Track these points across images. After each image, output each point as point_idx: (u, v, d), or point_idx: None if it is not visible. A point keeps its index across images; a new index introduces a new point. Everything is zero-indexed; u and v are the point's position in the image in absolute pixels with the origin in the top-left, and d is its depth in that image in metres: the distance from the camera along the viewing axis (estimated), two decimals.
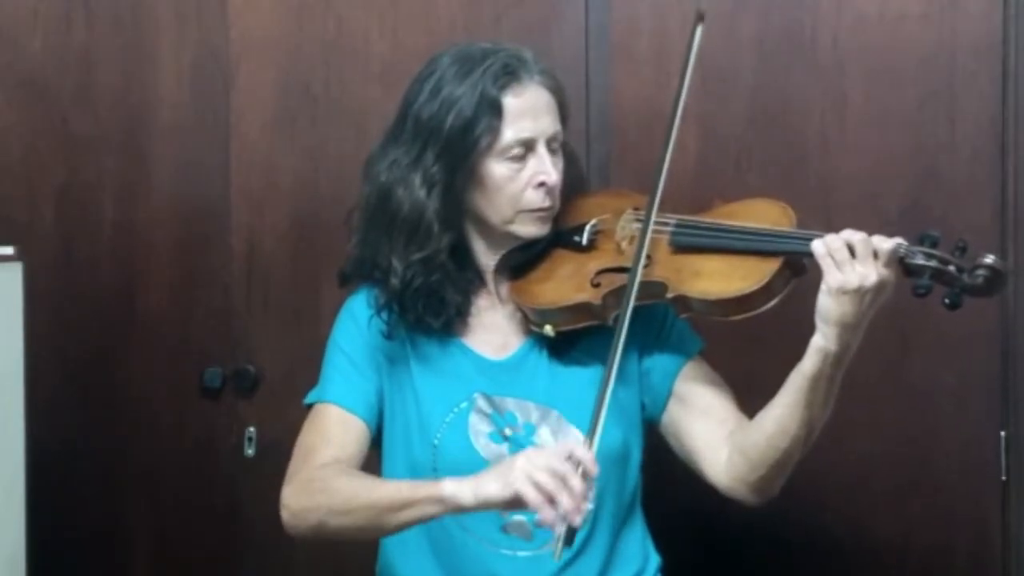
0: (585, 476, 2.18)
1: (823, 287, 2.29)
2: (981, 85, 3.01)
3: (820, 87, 3.06)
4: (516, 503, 2.20)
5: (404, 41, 3.16)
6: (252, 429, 3.23)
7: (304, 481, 2.45)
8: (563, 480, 2.16)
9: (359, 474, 2.45)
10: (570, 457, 2.20)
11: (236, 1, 3.22)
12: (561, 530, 2.18)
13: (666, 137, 2.45)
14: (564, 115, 2.56)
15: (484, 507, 2.24)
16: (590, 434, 2.27)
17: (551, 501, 2.15)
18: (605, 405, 2.30)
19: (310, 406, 2.58)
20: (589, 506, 2.19)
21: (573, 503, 2.15)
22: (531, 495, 2.16)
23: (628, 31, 3.12)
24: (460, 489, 2.25)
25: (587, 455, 2.21)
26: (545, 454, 2.21)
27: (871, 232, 2.30)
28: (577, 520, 2.16)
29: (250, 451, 3.22)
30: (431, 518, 2.31)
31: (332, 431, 2.52)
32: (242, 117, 3.24)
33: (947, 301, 2.27)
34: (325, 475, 2.43)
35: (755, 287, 2.34)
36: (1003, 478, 3.03)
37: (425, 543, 2.52)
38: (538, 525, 2.24)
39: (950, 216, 2.98)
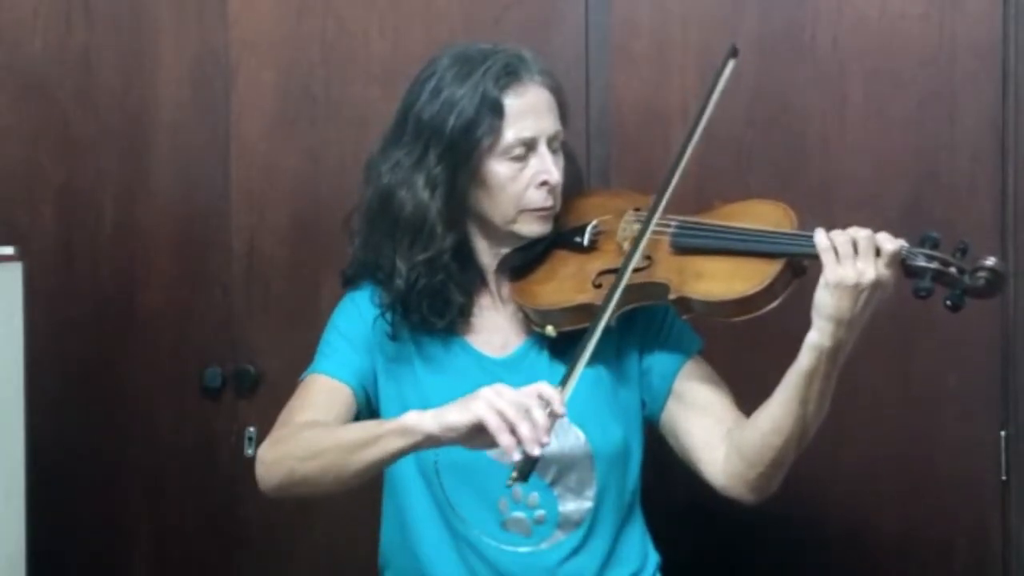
0: (552, 415, 2.19)
1: (821, 281, 2.30)
2: (981, 85, 3.02)
3: (820, 87, 3.06)
4: (478, 431, 2.20)
5: (404, 41, 3.16)
6: (252, 429, 3.23)
7: (278, 437, 2.47)
8: (526, 411, 2.17)
9: (329, 424, 2.47)
10: (539, 395, 2.21)
11: (236, 1, 3.22)
12: (517, 458, 2.19)
13: (680, 152, 2.47)
14: (564, 114, 2.58)
15: (448, 434, 2.23)
16: (563, 381, 2.28)
17: (511, 430, 2.16)
18: (584, 357, 2.32)
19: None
20: (547, 441, 2.17)
21: (532, 433, 2.16)
22: (491, 420, 2.17)
23: (628, 31, 3.12)
24: (422, 418, 2.25)
25: (555, 395, 2.21)
26: (512, 388, 2.22)
27: (874, 232, 2.30)
28: (535, 451, 2.16)
29: (250, 451, 3.21)
30: (397, 454, 2.29)
31: (316, 398, 2.54)
32: (242, 117, 3.23)
33: (949, 303, 2.28)
34: (297, 429, 2.45)
35: (757, 288, 2.35)
36: (1003, 478, 3.04)
37: (436, 532, 2.54)
38: (501, 455, 2.24)
39: (950, 216, 2.99)
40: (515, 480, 2.21)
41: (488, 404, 2.18)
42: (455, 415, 2.21)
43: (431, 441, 2.25)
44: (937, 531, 3.07)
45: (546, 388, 2.22)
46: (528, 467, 2.19)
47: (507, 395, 2.19)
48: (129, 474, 3.30)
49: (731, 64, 2.47)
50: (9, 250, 2.88)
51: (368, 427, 2.35)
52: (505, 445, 2.16)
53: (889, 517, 3.09)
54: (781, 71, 3.08)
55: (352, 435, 2.35)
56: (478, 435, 2.21)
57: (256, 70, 3.23)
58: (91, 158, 3.27)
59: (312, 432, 2.42)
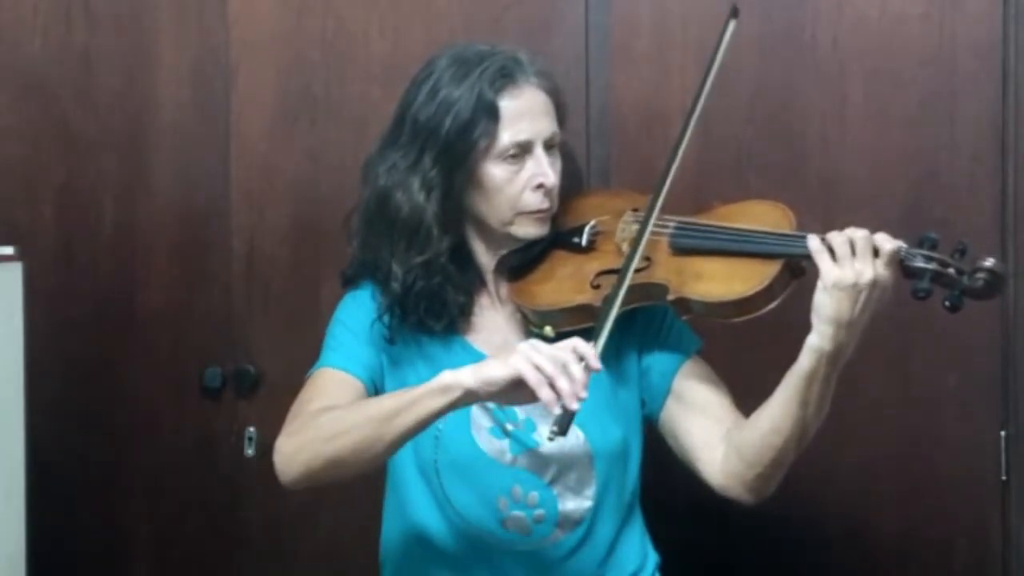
0: (587, 369, 2.22)
1: (819, 283, 2.29)
2: (981, 85, 3.02)
3: (820, 87, 3.06)
4: (516, 385, 2.22)
5: (404, 41, 3.16)
6: (252, 429, 3.23)
7: (294, 428, 2.45)
8: (563, 366, 2.20)
9: (349, 404, 2.46)
10: (574, 350, 2.23)
11: (236, 1, 3.22)
12: (557, 411, 2.21)
13: (679, 136, 2.47)
14: (561, 115, 2.58)
15: (487, 389, 2.24)
16: (595, 338, 2.30)
17: (550, 384, 2.19)
18: (614, 313, 2.34)
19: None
20: (585, 395, 2.21)
21: (570, 387, 2.19)
22: (531, 375, 2.19)
23: (628, 31, 3.12)
24: (459, 375, 2.27)
25: (590, 350, 2.24)
26: (548, 344, 2.24)
27: (872, 232, 2.31)
28: (574, 405, 2.19)
29: (250, 451, 3.22)
30: (436, 415, 2.29)
31: (328, 389, 2.52)
32: (242, 117, 3.23)
33: (947, 304, 2.28)
34: (314, 415, 2.43)
35: (756, 290, 2.35)
36: (1003, 478, 3.03)
37: (436, 529, 2.54)
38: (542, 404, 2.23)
39: (950, 217, 2.98)
40: (555, 434, 2.23)
41: (526, 359, 2.21)
42: (494, 370, 2.24)
43: (470, 397, 2.27)
44: (937, 531, 3.07)
45: (581, 343, 2.24)
46: (567, 421, 2.21)
47: (544, 350, 2.22)
48: (129, 474, 3.30)
49: (732, 25, 2.48)
50: (9, 250, 2.87)
51: (399, 395, 2.35)
52: (545, 399, 2.19)
53: (889, 517, 3.08)
54: (781, 71, 3.08)
55: (383, 405, 2.34)
56: (515, 390, 2.23)
57: (256, 70, 3.22)
58: (91, 158, 3.27)
59: (335, 412, 2.40)
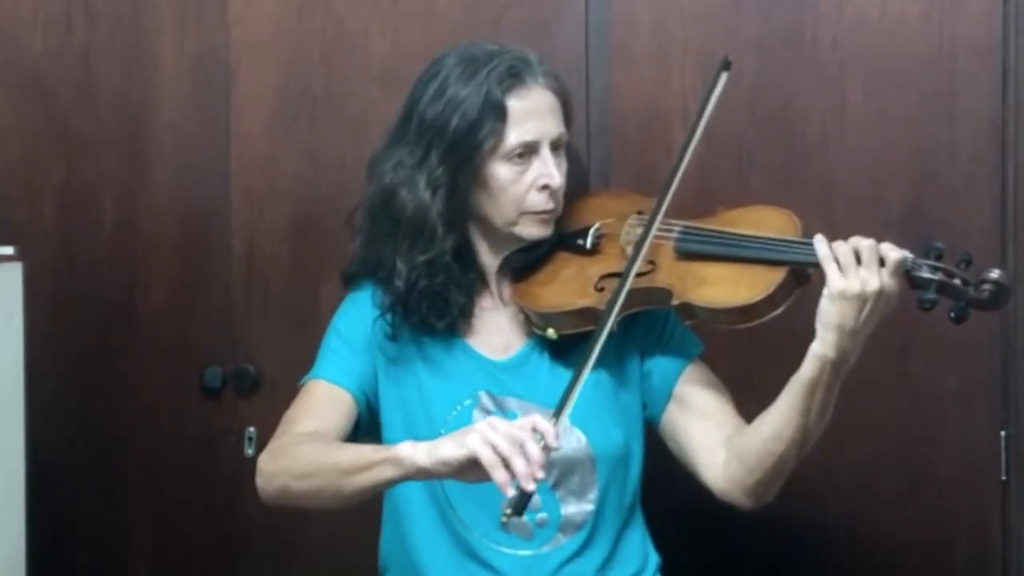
0: (545, 448, 2.19)
1: (825, 291, 2.30)
2: (981, 85, 3.01)
3: (820, 87, 3.05)
4: (471, 465, 2.19)
5: (404, 41, 3.15)
6: (252, 429, 3.22)
7: (277, 447, 2.47)
8: (520, 445, 2.16)
9: (328, 441, 2.47)
10: (533, 429, 2.20)
11: (236, 1, 3.21)
12: (512, 494, 2.17)
13: (676, 163, 2.46)
14: (568, 117, 2.58)
15: (441, 468, 2.22)
16: (557, 412, 2.28)
17: (505, 464, 2.16)
18: (578, 385, 2.30)
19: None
20: (542, 476, 2.17)
21: (527, 468, 2.15)
22: (485, 455, 2.16)
23: (628, 30, 3.11)
24: (416, 451, 2.25)
25: (549, 428, 2.20)
26: (506, 421, 2.22)
27: (874, 235, 2.31)
28: (530, 486, 2.15)
29: (250, 451, 3.21)
30: (390, 483, 2.31)
31: (317, 406, 2.54)
32: (242, 117, 3.22)
33: (953, 315, 2.29)
34: (295, 441, 2.45)
35: (760, 296, 2.35)
36: (1003, 478, 3.03)
37: (434, 536, 2.54)
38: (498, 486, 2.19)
39: (950, 217, 2.98)
40: (510, 516, 2.19)
41: (482, 438, 2.18)
42: (448, 449, 2.21)
43: (422, 474, 2.26)
44: (937, 531, 3.06)
45: (540, 421, 2.21)
46: (523, 502, 2.17)
47: (501, 429, 2.19)
48: (129, 474, 3.29)
49: (724, 77, 2.45)
50: (9, 250, 2.87)
51: (364, 452, 2.35)
52: (500, 481, 2.16)
53: (889, 517, 3.08)
54: (781, 71, 3.07)
55: (347, 458, 2.35)
56: (471, 469, 2.20)
57: (256, 70, 3.21)
58: (91, 158, 3.26)
59: (310, 448, 2.42)
